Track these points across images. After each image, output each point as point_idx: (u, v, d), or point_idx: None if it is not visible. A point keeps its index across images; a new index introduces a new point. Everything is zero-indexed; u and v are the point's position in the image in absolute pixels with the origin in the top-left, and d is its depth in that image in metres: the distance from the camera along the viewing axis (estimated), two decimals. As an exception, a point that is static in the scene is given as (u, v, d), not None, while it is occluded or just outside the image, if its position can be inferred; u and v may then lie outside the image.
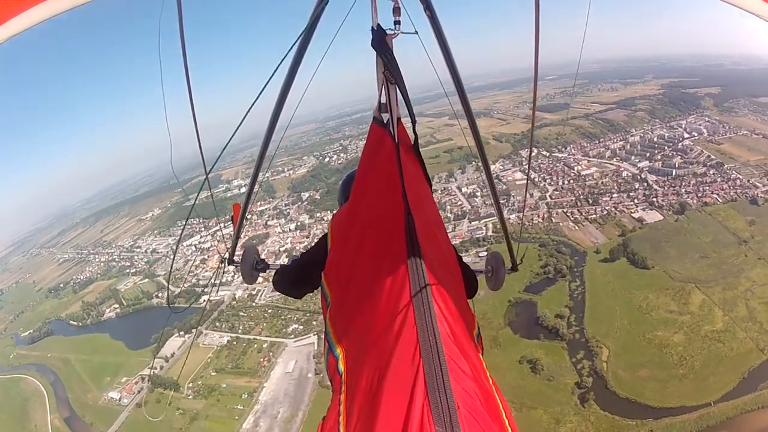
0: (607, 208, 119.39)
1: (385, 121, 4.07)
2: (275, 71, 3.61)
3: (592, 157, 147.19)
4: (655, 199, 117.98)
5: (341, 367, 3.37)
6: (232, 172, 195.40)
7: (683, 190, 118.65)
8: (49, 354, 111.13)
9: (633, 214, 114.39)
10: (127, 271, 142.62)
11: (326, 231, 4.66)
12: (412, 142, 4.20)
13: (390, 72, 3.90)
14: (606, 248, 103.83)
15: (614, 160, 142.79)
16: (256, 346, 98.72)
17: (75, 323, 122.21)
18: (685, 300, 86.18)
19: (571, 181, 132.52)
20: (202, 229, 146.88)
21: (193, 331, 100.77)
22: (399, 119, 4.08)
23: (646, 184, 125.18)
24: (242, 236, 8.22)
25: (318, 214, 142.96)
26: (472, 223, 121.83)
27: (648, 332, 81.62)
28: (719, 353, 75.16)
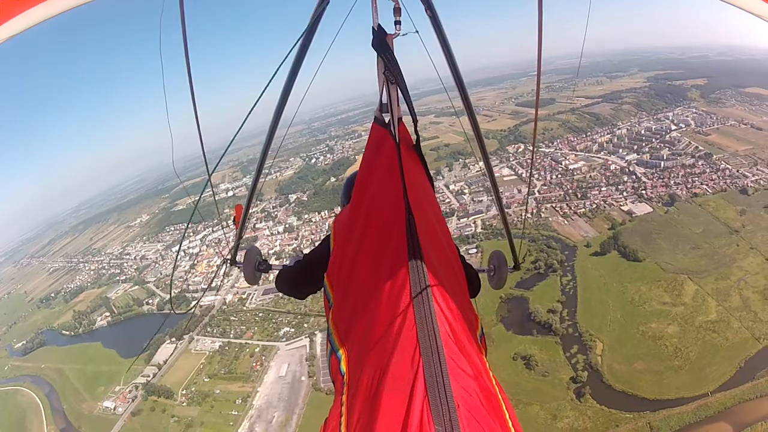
0: (596, 201, 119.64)
1: (386, 122, 4.06)
2: (276, 72, 3.63)
3: (580, 151, 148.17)
4: (644, 192, 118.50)
5: (344, 367, 3.36)
6: (218, 176, 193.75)
7: (672, 182, 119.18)
8: (43, 365, 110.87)
9: (622, 207, 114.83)
10: (117, 278, 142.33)
11: (329, 232, 4.70)
12: (414, 142, 4.21)
13: (391, 72, 3.89)
14: (596, 242, 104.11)
15: (602, 153, 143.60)
16: (248, 350, 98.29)
17: (67, 333, 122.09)
18: (678, 291, 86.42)
19: (559, 176, 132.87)
20: (191, 234, 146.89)
21: (185, 337, 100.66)
22: (400, 119, 4.05)
23: (634, 176, 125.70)
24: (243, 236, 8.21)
25: (306, 216, 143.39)
26: (461, 220, 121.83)
27: (642, 324, 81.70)
28: (714, 343, 75.37)
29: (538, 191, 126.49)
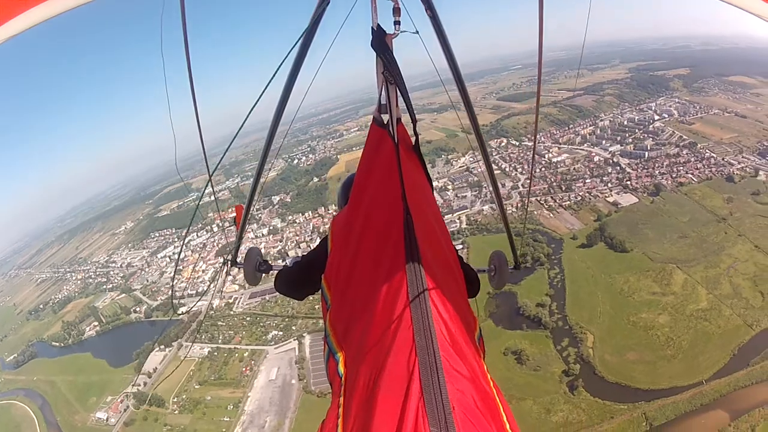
0: (580, 193, 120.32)
1: (384, 122, 4.01)
2: (275, 72, 3.65)
3: (563, 143, 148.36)
4: (629, 182, 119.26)
5: (341, 369, 3.35)
6: (203, 180, 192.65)
7: (657, 172, 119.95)
8: (35, 377, 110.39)
9: (608, 199, 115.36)
10: (104, 287, 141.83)
11: (327, 234, 4.68)
12: (413, 143, 4.14)
13: (390, 72, 3.82)
14: (583, 234, 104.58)
15: (585, 145, 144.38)
16: (237, 355, 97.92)
17: (57, 344, 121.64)
18: (667, 281, 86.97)
19: (543, 169, 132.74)
20: (175, 239, 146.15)
21: (174, 344, 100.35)
22: (399, 119, 4.02)
23: (618, 167, 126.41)
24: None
25: (290, 218, 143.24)
26: (445, 216, 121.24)
27: (632, 315, 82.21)
28: (707, 331, 75.97)
29: (522, 185, 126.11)
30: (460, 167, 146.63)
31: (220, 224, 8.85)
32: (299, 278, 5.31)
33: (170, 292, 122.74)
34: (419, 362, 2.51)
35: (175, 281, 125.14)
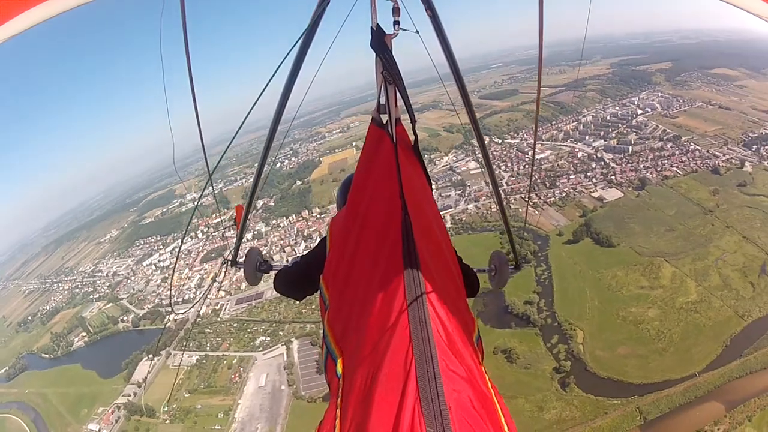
0: (565, 189, 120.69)
1: (383, 122, 4.04)
2: (275, 72, 3.57)
3: (546, 140, 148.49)
4: (613, 177, 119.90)
5: (339, 370, 3.32)
6: (185, 187, 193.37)
7: (641, 166, 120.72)
8: (27, 390, 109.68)
9: (593, 194, 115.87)
10: (91, 296, 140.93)
11: (325, 234, 4.77)
12: (412, 143, 4.18)
13: (389, 72, 3.82)
14: (568, 230, 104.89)
15: (568, 141, 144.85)
16: (225, 362, 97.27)
17: (47, 356, 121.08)
18: (656, 274, 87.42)
19: (527, 166, 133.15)
20: (161, 246, 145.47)
21: (162, 353, 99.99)
22: (398, 119, 4.05)
23: (603, 162, 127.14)
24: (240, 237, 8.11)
25: (274, 222, 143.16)
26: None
27: (621, 310, 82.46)
28: (697, 324, 76.33)
29: (506, 182, 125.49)
30: (443, 166, 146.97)
31: (220, 224, 8.82)
32: (298, 278, 5.35)
33: (168, 293, 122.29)
34: (416, 362, 2.48)
35: (164, 288, 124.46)
